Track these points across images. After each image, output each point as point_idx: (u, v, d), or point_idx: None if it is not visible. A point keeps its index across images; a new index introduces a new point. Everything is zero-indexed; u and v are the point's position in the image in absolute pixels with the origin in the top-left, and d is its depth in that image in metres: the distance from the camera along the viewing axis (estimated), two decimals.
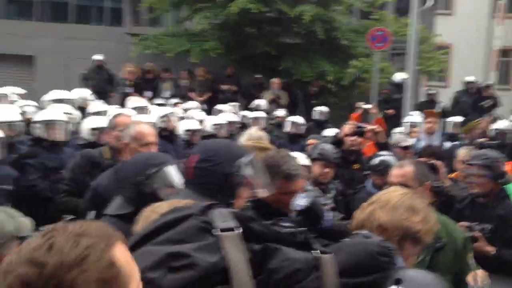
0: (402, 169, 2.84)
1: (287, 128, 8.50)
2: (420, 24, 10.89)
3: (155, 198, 1.84)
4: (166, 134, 6.42)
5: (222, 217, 1.42)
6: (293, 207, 1.90)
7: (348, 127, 4.82)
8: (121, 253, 1.02)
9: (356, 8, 14.50)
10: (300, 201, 1.86)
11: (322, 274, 1.39)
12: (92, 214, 3.38)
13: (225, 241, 1.36)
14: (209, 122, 7.57)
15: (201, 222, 1.41)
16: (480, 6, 21.58)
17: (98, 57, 12.59)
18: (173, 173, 2.43)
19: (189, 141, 6.87)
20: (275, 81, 12.43)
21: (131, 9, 15.51)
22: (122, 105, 8.81)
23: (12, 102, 6.73)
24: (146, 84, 13.03)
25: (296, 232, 1.50)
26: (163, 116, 6.68)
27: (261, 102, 10.96)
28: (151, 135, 3.58)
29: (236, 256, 1.34)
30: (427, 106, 11.83)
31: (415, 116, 8.68)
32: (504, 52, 19.90)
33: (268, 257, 1.39)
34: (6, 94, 6.86)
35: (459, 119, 8.88)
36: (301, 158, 4.00)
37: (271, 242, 1.43)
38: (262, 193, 2.13)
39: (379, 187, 4.33)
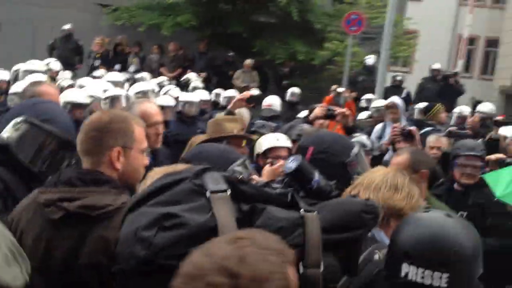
0: (398, 157, 2.98)
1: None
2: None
3: None
4: None
5: (214, 180, 1.53)
6: (284, 170, 2.02)
7: (319, 110, 4.91)
8: (292, 273, 1.07)
9: None
10: (290, 164, 1.97)
11: (306, 230, 1.49)
12: None
13: (216, 202, 1.46)
14: (181, 99, 7.54)
15: (194, 185, 1.52)
16: None
17: (66, 26, 12.35)
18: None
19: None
20: (247, 62, 12.43)
21: None
22: (89, 76, 8.70)
23: None
24: (116, 58, 12.85)
25: (285, 193, 1.60)
26: (139, 93, 6.60)
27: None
28: (158, 113, 3.38)
29: (225, 215, 1.44)
30: (393, 91, 12.08)
31: (380, 101, 8.89)
32: (470, 40, 20.43)
33: (255, 216, 1.49)
34: None
35: (423, 105, 8.73)
36: (284, 140, 4.07)
37: (261, 203, 1.53)
38: None
39: None
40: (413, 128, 4.23)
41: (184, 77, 10.56)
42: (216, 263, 1.00)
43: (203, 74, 12.21)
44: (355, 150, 2.29)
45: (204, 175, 1.55)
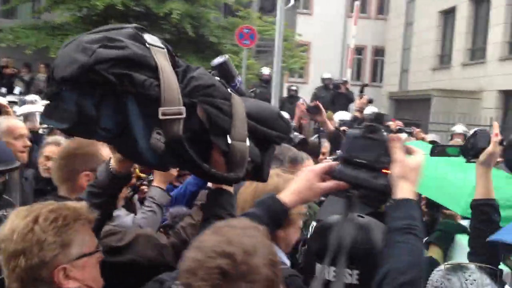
0: None
1: None
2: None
3: None
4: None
5: (152, 39, 1.60)
6: (212, 64, 2.08)
7: None
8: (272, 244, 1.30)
9: (222, 5, 14.76)
10: (217, 59, 2.03)
11: (233, 103, 1.62)
12: None
13: (155, 51, 1.55)
14: None
15: (135, 31, 1.59)
16: (337, 7, 23.15)
17: None
18: None
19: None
20: None
21: None
22: None
23: None
24: (1, 80, 12.17)
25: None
26: (27, 115, 6.31)
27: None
28: (23, 127, 3.66)
29: (164, 60, 1.55)
30: (289, 101, 12.46)
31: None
32: (357, 50, 21.55)
33: (189, 72, 1.60)
34: None
35: None
36: None
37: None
38: None
39: None
40: None
41: None
42: (209, 252, 1.17)
43: None
44: None
45: (143, 35, 1.59)
